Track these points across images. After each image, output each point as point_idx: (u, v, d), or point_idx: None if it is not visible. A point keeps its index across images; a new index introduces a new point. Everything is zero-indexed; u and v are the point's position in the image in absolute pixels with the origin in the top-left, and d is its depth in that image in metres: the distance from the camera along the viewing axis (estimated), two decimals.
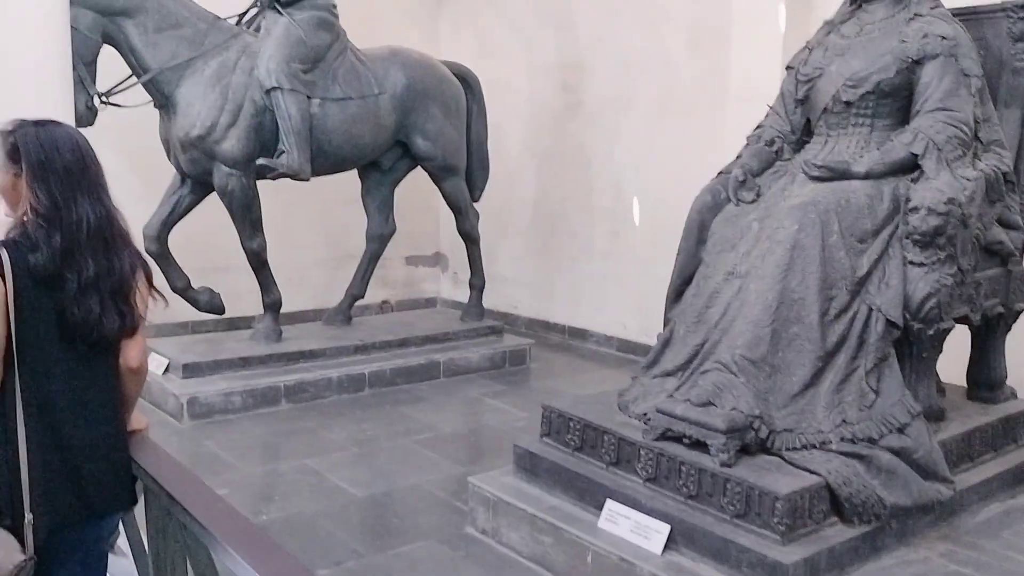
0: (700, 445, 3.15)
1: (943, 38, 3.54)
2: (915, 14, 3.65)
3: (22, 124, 2.02)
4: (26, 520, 1.93)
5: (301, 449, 4.64)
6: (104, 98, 5.13)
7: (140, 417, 2.34)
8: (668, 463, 3.22)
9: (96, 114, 5.05)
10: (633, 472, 3.33)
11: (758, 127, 4.05)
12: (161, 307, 2.28)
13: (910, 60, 3.54)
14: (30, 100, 2.99)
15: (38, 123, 2.03)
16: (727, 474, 3.03)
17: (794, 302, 3.28)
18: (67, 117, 3.19)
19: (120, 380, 2.16)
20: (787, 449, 3.16)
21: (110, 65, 5.21)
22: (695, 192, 3.95)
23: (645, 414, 3.42)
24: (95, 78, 5.03)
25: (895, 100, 3.61)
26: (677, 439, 3.23)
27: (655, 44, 6.41)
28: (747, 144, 4.02)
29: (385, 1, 7.83)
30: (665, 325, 3.90)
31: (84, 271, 1.99)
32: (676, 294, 3.93)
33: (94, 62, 5.00)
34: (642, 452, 3.30)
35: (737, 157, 3.96)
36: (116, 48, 5.12)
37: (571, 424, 3.61)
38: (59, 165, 1.99)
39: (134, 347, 2.15)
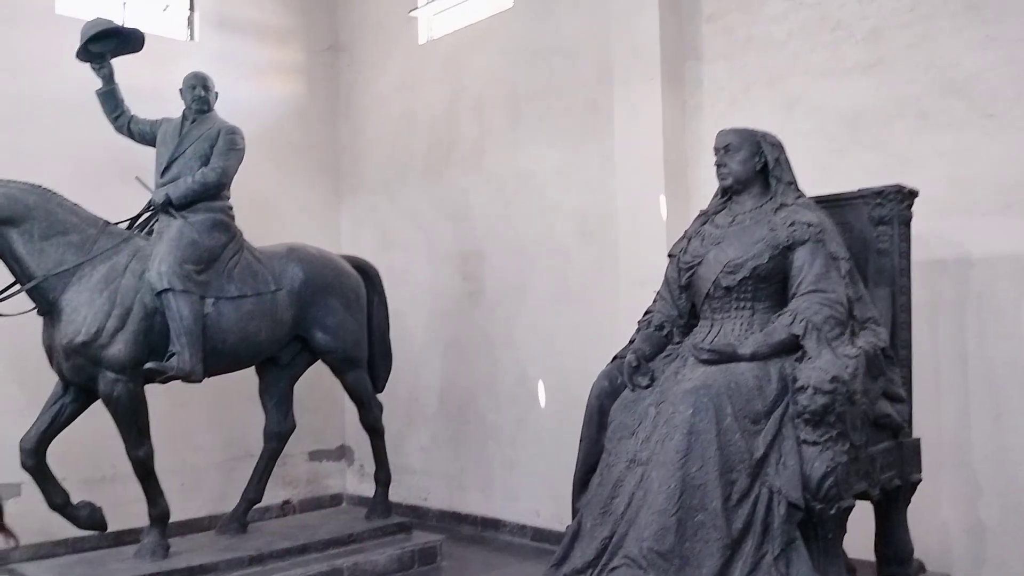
0: None
1: (809, 225, 3.77)
2: (781, 204, 3.90)
3: None
4: None
5: None
6: None
7: None
8: None
9: None
10: None
11: (647, 312, 4.16)
12: (11, 545, 2.08)
13: (781, 247, 3.75)
14: None
15: None
16: None
17: (696, 488, 3.25)
18: None
19: None
20: None
21: None
22: (595, 374, 3.98)
23: None
24: None
25: (771, 284, 3.78)
26: None
27: (548, 233, 6.67)
28: (639, 329, 4.12)
29: (284, 199, 7.99)
30: (573, 516, 3.79)
31: None
32: (582, 482, 3.86)
33: None
34: None
35: (630, 342, 4.04)
36: None
37: None
38: None
39: None
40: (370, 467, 7.01)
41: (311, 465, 8.10)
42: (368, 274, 6.56)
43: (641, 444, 3.48)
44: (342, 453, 8.33)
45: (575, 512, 3.79)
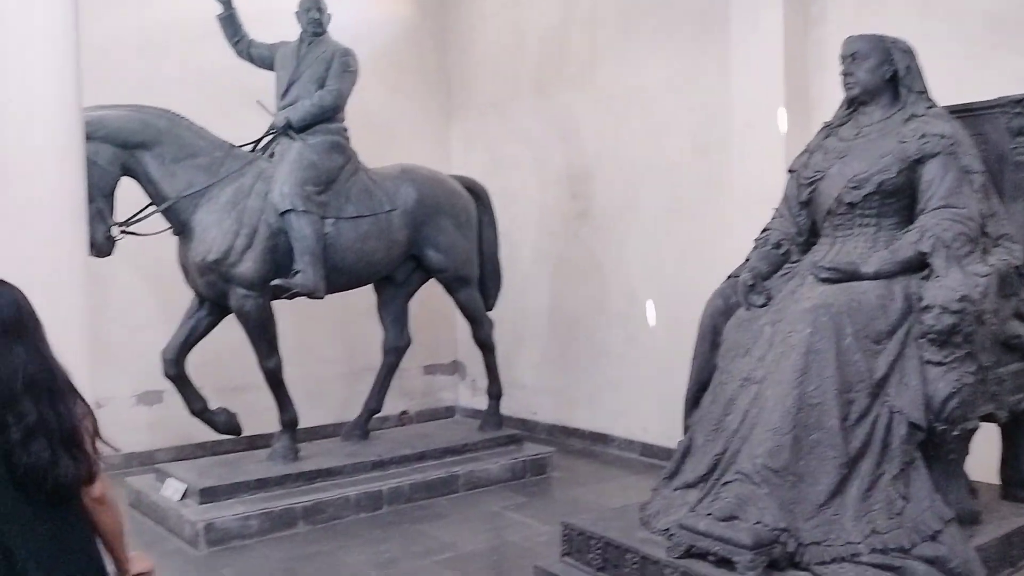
0: (726, 562, 3.04)
1: (941, 136, 3.57)
2: (911, 114, 3.70)
3: None
4: None
5: (320, 575, 4.52)
6: (123, 228, 5.26)
7: (142, 559, 2.30)
8: None
9: (114, 244, 5.17)
10: None
11: (765, 230, 4.07)
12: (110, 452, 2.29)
13: (910, 160, 3.58)
14: (44, 231, 3.07)
15: None
16: None
17: (813, 407, 3.22)
18: (80, 247, 3.27)
19: (94, 530, 2.17)
20: (816, 563, 3.04)
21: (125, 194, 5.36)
22: (706, 294, 3.95)
23: (668, 529, 3.32)
24: (113, 209, 5.17)
25: (899, 200, 3.62)
26: (702, 556, 3.12)
27: (659, 150, 6.54)
28: (755, 247, 4.04)
29: (397, 122, 8.09)
30: (684, 432, 3.83)
31: (25, 417, 2.02)
32: (694, 400, 3.88)
33: (112, 194, 5.15)
34: (667, 571, 3.18)
35: (746, 260, 3.97)
36: (134, 179, 5.28)
37: (592, 542, 3.50)
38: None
39: (96, 480, 2.16)
40: (481, 382, 7.24)
41: (425, 379, 8.41)
42: (478, 194, 6.64)
43: (756, 362, 3.45)
44: (454, 368, 8.60)
45: (686, 428, 3.83)
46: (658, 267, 6.58)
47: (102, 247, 5.01)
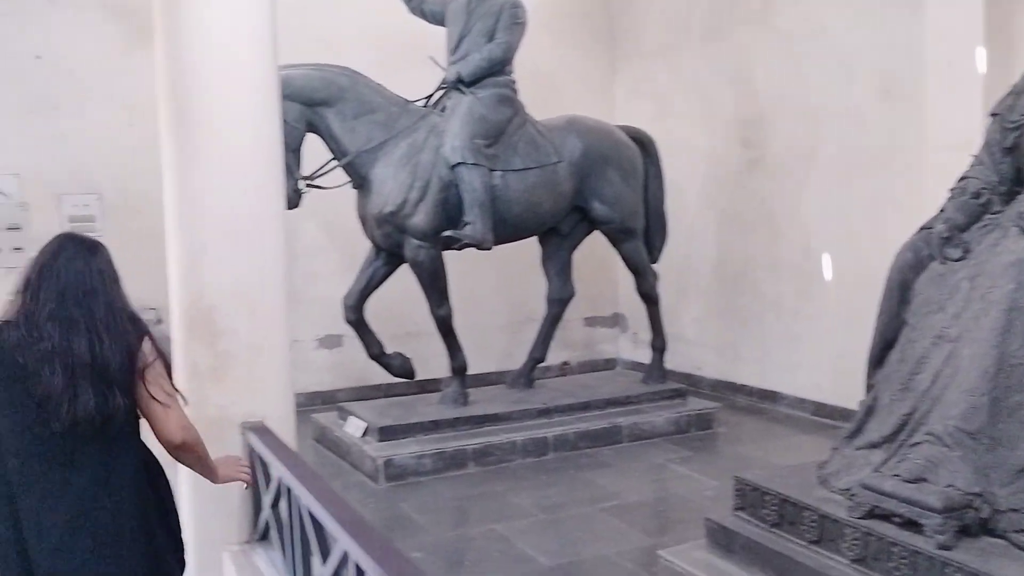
0: (912, 524, 2.92)
1: None
2: None
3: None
4: None
5: (489, 514, 4.70)
6: (308, 182, 5.57)
7: (228, 464, 2.52)
8: (878, 543, 2.99)
9: (301, 197, 5.49)
10: (837, 552, 3.13)
11: (962, 178, 3.77)
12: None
13: None
14: (248, 186, 3.30)
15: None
16: (947, 557, 2.78)
17: (1014, 368, 3.01)
18: (280, 200, 3.50)
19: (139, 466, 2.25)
20: (1014, 531, 2.86)
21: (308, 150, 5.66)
22: (891, 248, 3.74)
23: (849, 489, 3.22)
24: (300, 164, 5.48)
25: None
26: (886, 517, 3.01)
27: (842, 95, 6.17)
28: (951, 197, 3.75)
29: (561, 73, 8.07)
30: (868, 391, 3.68)
31: (42, 342, 2.09)
32: (878, 358, 3.70)
33: (299, 149, 5.46)
34: (847, 531, 3.09)
35: (940, 211, 3.71)
36: (318, 135, 5.56)
37: (767, 498, 3.45)
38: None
39: (168, 424, 2.21)
40: (643, 335, 7.21)
41: (587, 330, 8.47)
42: (645, 144, 6.54)
43: (951, 319, 3.25)
44: (615, 320, 8.60)
45: (869, 387, 3.67)
46: (838, 218, 6.24)
47: (290, 200, 5.30)
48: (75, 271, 2.18)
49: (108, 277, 2.25)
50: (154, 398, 2.18)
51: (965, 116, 4.79)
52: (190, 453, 2.31)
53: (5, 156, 6.17)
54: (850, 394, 5.95)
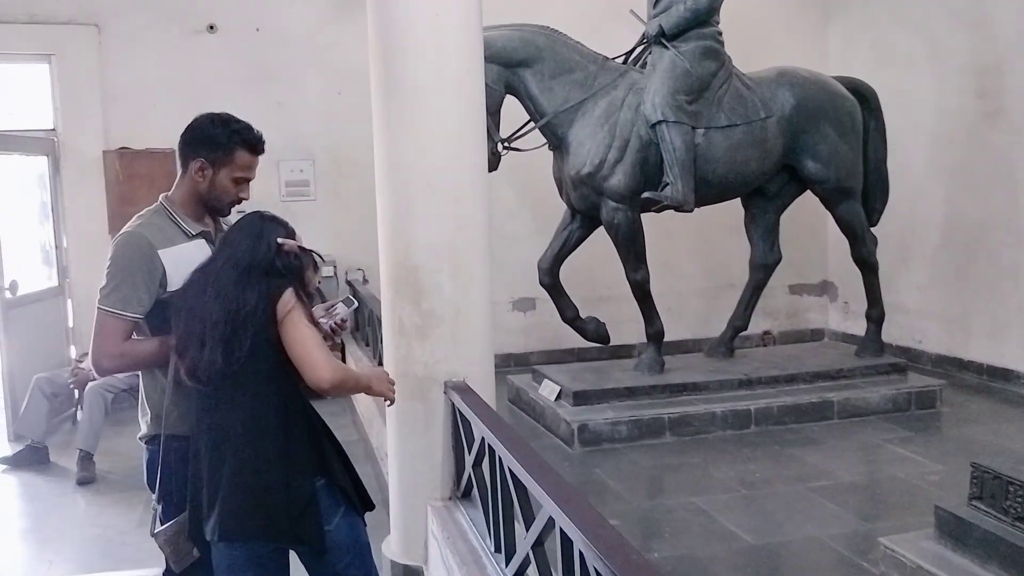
0: None
1: None
2: None
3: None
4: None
5: (687, 486, 4.54)
6: (506, 144, 5.56)
7: (380, 379, 2.45)
8: None
9: (499, 159, 5.49)
10: None
11: None
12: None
13: None
14: (452, 148, 3.30)
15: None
16: None
17: None
18: (482, 162, 3.48)
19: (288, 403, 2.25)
20: None
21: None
22: None
23: None
24: (499, 126, 5.47)
25: None
26: None
27: None
28: None
29: (770, 20, 7.58)
30: None
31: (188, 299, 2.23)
32: None
33: (498, 112, 5.44)
34: None
35: None
36: (516, 96, 5.52)
37: (1011, 489, 3.05)
38: None
39: (312, 370, 2.17)
40: (855, 304, 6.71)
41: (791, 298, 8.01)
42: (865, 96, 6.00)
43: None
44: (824, 288, 8.06)
45: None
46: None
47: (489, 162, 5.30)
48: (239, 238, 2.28)
49: (257, 234, 2.28)
50: (292, 346, 2.20)
51: None
52: (341, 391, 2.32)
53: None
54: None
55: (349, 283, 6.91)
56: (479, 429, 2.73)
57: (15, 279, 5.94)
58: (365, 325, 6.19)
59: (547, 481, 2.13)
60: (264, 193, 6.13)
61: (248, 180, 2.46)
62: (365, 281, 6.74)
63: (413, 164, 3.27)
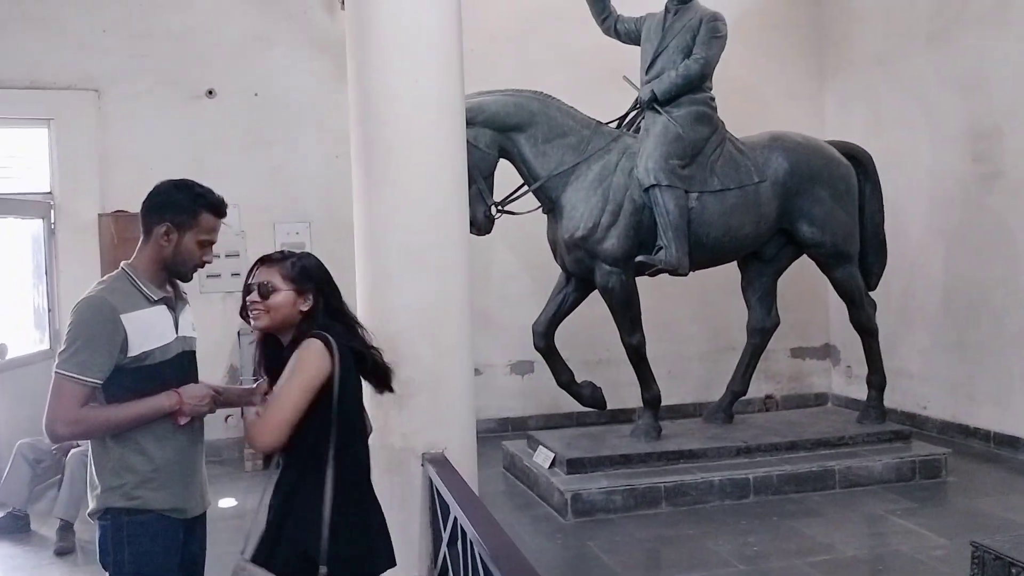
0: None
1: None
2: None
3: (301, 254, 2.43)
4: (320, 572, 2.13)
5: (683, 560, 4.38)
6: (500, 207, 5.55)
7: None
8: None
9: (493, 222, 5.47)
10: None
11: None
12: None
13: None
14: (433, 213, 3.26)
15: (304, 254, 2.45)
16: None
17: None
18: (464, 227, 3.44)
19: None
20: None
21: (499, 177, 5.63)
22: None
23: None
24: (492, 190, 5.46)
25: None
26: None
27: None
28: None
29: (767, 85, 7.62)
30: None
31: (366, 342, 2.39)
32: None
33: (492, 175, 5.44)
34: None
35: None
36: (510, 160, 5.53)
37: (1013, 571, 2.91)
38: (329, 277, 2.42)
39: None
40: (857, 368, 6.58)
41: (793, 362, 7.88)
42: (860, 160, 5.99)
43: None
44: (827, 352, 7.94)
45: None
46: None
47: (482, 225, 5.33)
48: None
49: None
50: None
51: None
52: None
53: (227, 188, 6.49)
54: None
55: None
56: (454, 508, 2.63)
57: (4, 343, 5.90)
58: None
59: (516, 572, 2.02)
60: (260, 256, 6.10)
61: (211, 243, 2.46)
62: None
63: (392, 229, 3.25)
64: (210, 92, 6.77)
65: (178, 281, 2.49)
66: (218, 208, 2.44)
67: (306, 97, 6.91)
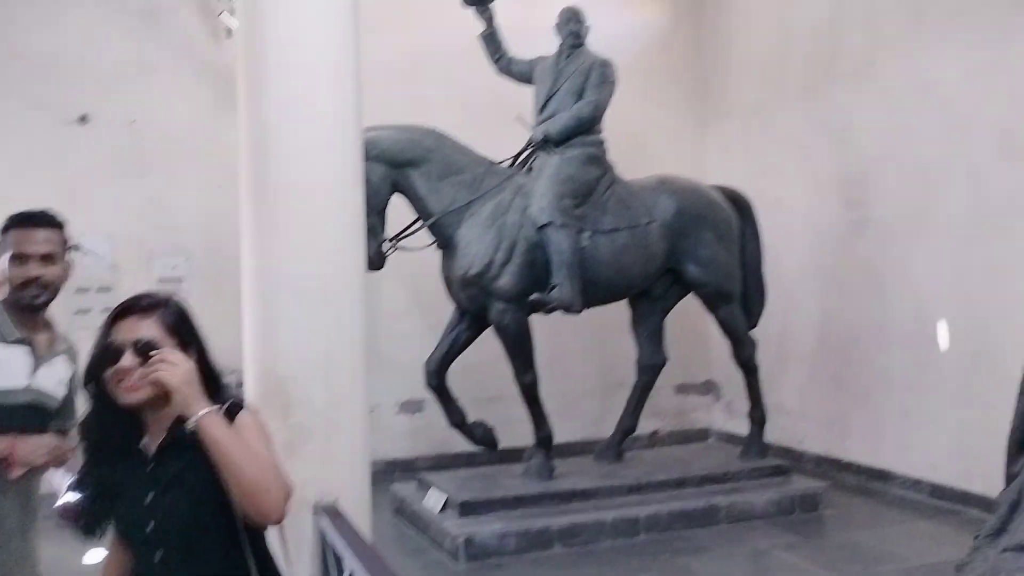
0: None
1: None
2: None
3: (165, 297, 1.95)
4: None
5: None
6: (393, 243, 5.45)
7: None
8: None
9: (385, 259, 5.37)
10: None
11: None
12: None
13: None
14: (326, 252, 3.15)
15: (167, 295, 1.98)
16: None
17: None
18: (360, 267, 3.34)
19: None
20: None
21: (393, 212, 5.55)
22: (1012, 316, 3.32)
23: None
24: (384, 226, 5.37)
25: None
26: None
27: (956, 152, 5.73)
28: None
29: (651, 130, 7.85)
30: (1007, 482, 3.21)
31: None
32: (1020, 444, 3.24)
33: (384, 211, 5.35)
34: None
35: None
36: (403, 195, 5.46)
37: None
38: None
39: None
40: (738, 404, 6.78)
41: (678, 398, 8.06)
42: (741, 204, 6.23)
43: None
44: (708, 388, 8.17)
45: (1010, 477, 3.20)
46: (955, 284, 5.74)
47: (374, 261, 5.21)
48: None
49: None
50: None
51: None
52: None
53: (98, 218, 6.23)
54: (972, 475, 5.46)
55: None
56: (349, 563, 2.50)
57: None
58: None
59: None
60: (133, 291, 5.76)
61: (28, 256, 2.26)
62: (239, 385, 6.37)
63: (283, 268, 3.11)
64: (83, 118, 6.40)
65: (58, 332, 2.31)
66: (24, 220, 2.28)
67: (188, 126, 6.63)
